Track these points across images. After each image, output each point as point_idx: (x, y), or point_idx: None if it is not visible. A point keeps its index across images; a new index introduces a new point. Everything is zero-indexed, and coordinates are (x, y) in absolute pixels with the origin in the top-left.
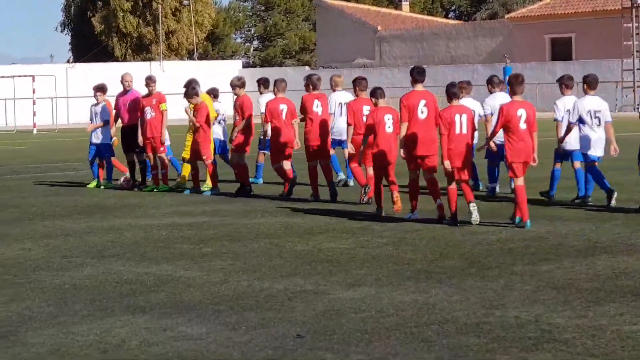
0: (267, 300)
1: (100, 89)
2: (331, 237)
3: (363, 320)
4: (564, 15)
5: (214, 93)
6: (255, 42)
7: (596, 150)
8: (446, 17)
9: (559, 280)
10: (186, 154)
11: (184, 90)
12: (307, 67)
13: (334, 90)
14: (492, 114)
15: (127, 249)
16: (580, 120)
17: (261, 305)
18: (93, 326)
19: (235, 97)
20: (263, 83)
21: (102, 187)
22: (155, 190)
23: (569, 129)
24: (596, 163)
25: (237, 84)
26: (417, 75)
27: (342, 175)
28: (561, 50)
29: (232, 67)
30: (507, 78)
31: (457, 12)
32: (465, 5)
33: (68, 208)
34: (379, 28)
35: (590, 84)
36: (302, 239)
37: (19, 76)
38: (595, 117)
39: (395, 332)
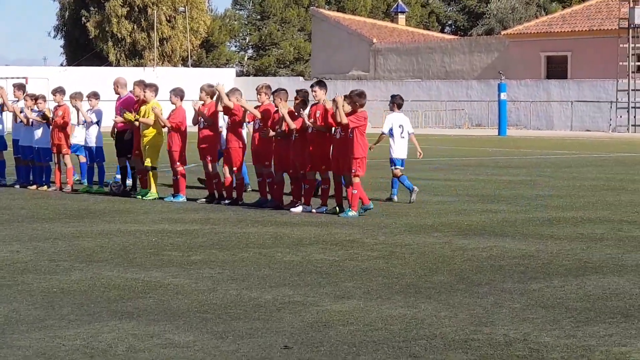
0: (255, 310)
1: (94, 95)
2: (321, 249)
3: (351, 333)
4: (561, 33)
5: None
6: (250, 51)
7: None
8: (442, 31)
9: (549, 299)
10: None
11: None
12: (301, 78)
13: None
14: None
15: (116, 254)
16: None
17: (249, 314)
18: (80, 331)
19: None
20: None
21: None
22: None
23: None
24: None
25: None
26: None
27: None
28: (557, 69)
29: (226, 75)
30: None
31: (453, 27)
32: (461, 20)
33: (57, 211)
34: (375, 40)
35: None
36: (291, 250)
37: (12, 78)
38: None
39: (383, 346)
